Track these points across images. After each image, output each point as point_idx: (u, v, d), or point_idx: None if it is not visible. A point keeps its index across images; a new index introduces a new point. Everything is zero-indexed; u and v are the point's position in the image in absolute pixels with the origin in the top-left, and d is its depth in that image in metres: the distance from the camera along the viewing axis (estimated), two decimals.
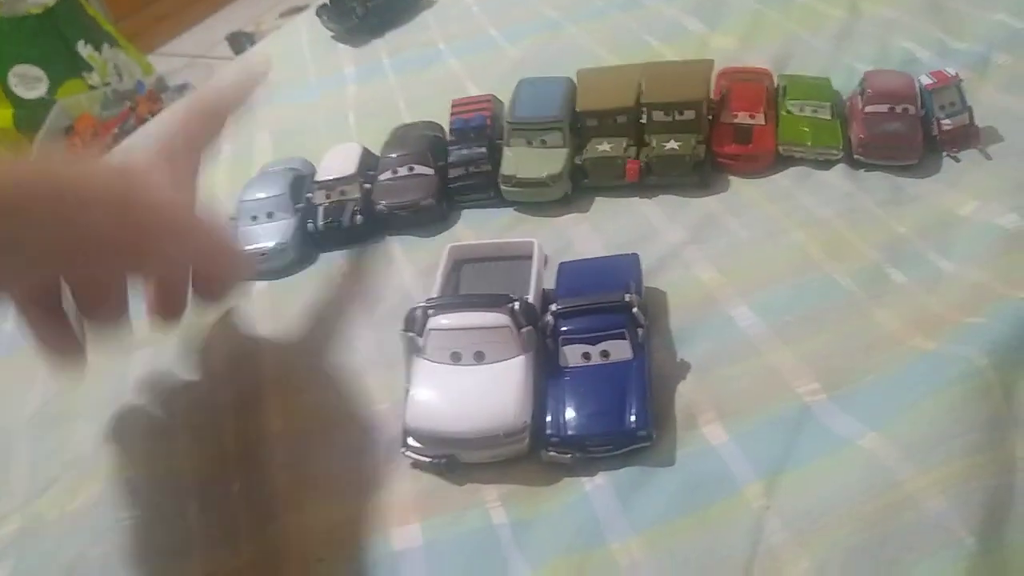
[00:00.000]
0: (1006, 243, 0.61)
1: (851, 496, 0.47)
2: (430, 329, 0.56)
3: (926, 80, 0.72)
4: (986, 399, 0.50)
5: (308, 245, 0.76)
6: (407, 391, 0.55)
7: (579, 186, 0.76)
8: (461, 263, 0.66)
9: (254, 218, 0.76)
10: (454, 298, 0.60)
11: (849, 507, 0.46)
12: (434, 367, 0.56)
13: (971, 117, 0.71)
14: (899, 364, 0.54)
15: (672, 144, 0.73)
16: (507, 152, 0.77)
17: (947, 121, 0.70)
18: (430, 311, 0.57)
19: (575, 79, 0.81)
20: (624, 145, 0.75)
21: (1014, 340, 0.52)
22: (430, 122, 0.84)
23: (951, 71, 0.73)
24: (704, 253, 0.66)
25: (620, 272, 0.62)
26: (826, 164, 0.73)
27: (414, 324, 0.57)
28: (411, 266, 0.71)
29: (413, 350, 0.57)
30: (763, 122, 0.75)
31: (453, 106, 0.82)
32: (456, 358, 0.55)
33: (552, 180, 0.74)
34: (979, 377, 0.51)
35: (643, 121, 0.76)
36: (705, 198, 0.73)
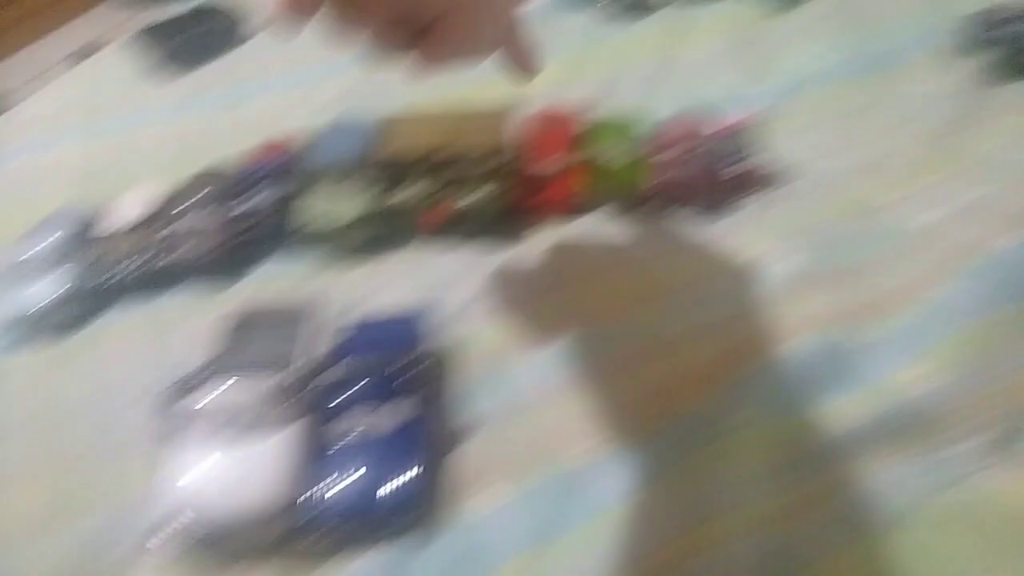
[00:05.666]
0: (774, 291, 0.63)
1: (609, 564, 0.46)
2: (188, 405, 0.52)
3: (715, 127, 0.74)
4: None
5: (86, 301, 0.70)
6: (163, 471, 0.52)
7: (381, 233, 0.73)
8: (239, 325, 0.62)
9: (27, 273, 0.70)
10: (216, 368, 0.56)
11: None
12: (193, 444, 0.52)
13: (759, 162, 0.72)
14: (665, 423, 0.54)
15: (474, 195, 0.72)
16: (306, 197, 0.73)
17: (731, 168, 0.72)
18: (191, 383, 0.53)
19: (384, 121, 0.78)
20: (428, 192, 0.73)
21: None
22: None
23: (741, 116, 0.75)
24: (496, 306, 0.66)
25: (405, 332, 0.60)
26: (625, 207, 0.74)
27: (172, 400, 0.53)
28: (190, 327, 0.67)
29: (170, 427, 0.53)
30: (564, 168, 0.74)
31: (249, 151, 0.78)
32: (215, 433, 0.52)
33: (351, 227, 0.71)
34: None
35: (448, 168, 0.74)
36: (506, 246, 0.72)
